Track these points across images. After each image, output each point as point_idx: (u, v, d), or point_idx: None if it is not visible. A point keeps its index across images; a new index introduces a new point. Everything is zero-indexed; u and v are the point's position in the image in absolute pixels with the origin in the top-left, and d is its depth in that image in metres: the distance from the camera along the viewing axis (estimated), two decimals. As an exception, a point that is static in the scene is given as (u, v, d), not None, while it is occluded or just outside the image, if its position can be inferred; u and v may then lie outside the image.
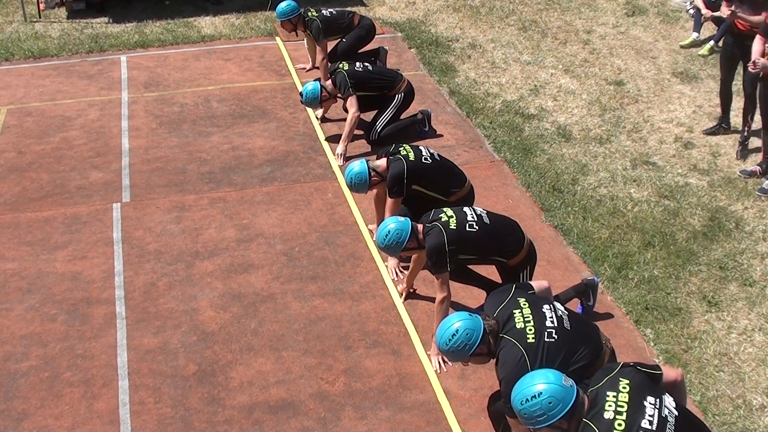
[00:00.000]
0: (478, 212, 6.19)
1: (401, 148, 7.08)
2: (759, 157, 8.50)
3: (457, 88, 10.27)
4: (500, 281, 6.31)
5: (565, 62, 10.99)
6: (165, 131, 9.40)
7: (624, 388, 4.13)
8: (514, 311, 4.95)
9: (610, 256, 7.17)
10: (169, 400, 5.87)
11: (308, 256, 7.32)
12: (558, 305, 5.11)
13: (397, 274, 7.04)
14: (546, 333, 4.85)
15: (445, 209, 6.19)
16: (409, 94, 9.15)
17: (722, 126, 9.16)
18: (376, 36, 10.64)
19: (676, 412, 4.13)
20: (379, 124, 8.97)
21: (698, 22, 11.23)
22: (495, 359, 4.98)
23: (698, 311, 6.59)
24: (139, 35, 12.01)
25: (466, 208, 6.22)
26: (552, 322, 4.90)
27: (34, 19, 12.89)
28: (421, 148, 7.18)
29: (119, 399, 5.89)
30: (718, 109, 9.27)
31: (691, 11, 11.82)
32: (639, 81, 10.46)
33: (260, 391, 5.93)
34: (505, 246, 6.14)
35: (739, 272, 7.01)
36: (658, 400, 4.12)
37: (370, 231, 7.55)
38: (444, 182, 7.07)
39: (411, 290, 6.82)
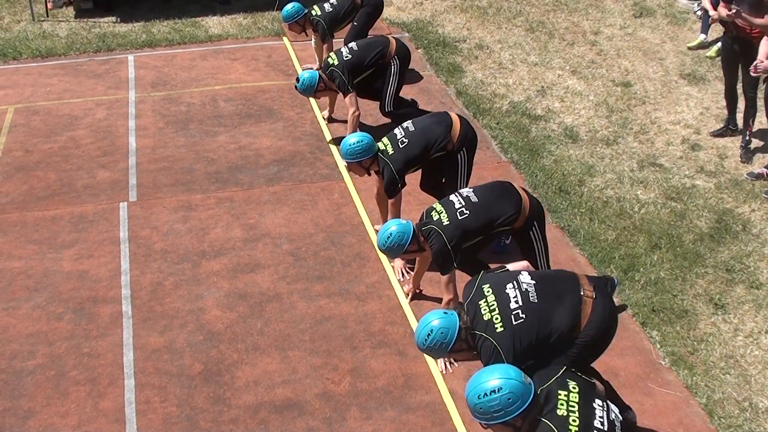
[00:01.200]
0: (465, 194, 6.18)
1: (380, 143, 7.07)
2: (766, 159, 8.49)
3: (464, 89, 10.27)
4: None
5: (572, 63, 10.98)
6: (172, 131, 9.41)
7: (574, 388, 4.10)
8: (479, 303, 4.91)
9: (616, 258, 7.16)
10: (174, 399, 5.88)
11: (314, 256, 7.33)
12: (524, 277, 5.00)
13: (403, 274, 7.04)
14: (513, 316, 4.79)
15: (434, 205, 6.19)
16: (404, 57, 9.01)
17: (729, 128, 9.14)
18: (373, 30, 10.48)
19: (621, 417, 4.14)
20: (387, 99, 8.93)
21: (706, 23, 11.21)
22: (478, 354, 4.94)
23: (705, 313, 6.58)
24: (146, 35, 12.03)
25: (452, 196, 6.21)
26: (517, 302, 4.84)
27: (42, 18, 12.93)
28: (395, 131, 7.14)
29: (125, 398, 5.90)
30: (726, 111, 9.25)
31: (699, 13, 11.80)
32: (646, 82, 10.44)
33: (266, 391, 5.94)
34: (502, 214, 6.09)
35: (746, 275, 6.99)
36: (604, 403, 4.11)
37: (377, 231, 7.55)
38: (432, 143, 7.04)
39: (417, 291, 6.82)
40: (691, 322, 6.48)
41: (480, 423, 4.15)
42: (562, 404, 4.03)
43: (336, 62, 8.75)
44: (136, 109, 9.91)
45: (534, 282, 4.96)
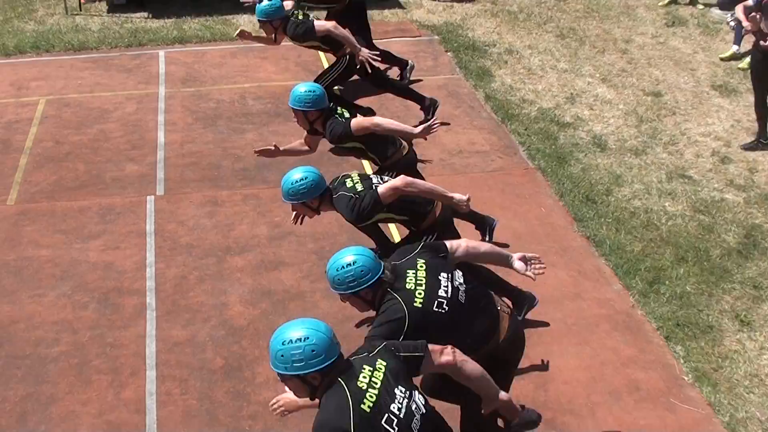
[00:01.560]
0: (386, 179, 6.01)
1: (339, 109, 6.94)
2: (797, 174, 8.41)
3: (493, 94, 10.24)
4: None
5: (602, 71, 10.93)
6: (200, 127, 9.45)
7: (380, 367, 3.90)
8: (408, 270, 4.71)
9: (642, 270, 7.11)
10: (195, 393, 5.89)
11: (338, 255, 7.32)
12: (458, 274, 4.82)
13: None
14: (436, 302, 4.60)
15: (351, 174, 6.02)
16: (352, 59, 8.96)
17: (760, 141, 9.06)
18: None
19: (423, 410, 3.97)
20: (323, 82, 8.96)
21: (739, 34, 11.12)
22: (376, 312, 4.72)
23: (730, 330, 6.51)
24: (177, 31, 12.09)
25: (372, 176, 6.10)
26: (446, 292, 4.65)
27: (75, 12, 13.05)
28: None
29: (146, 389, 5.93)
30: (757, 124, 9.17)
31: (732, 23, 11.69)
32: (677, 93, 10.37)
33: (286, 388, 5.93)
34: (414, 203, 5.95)
35: (773, 291, 6.93)
36: (408, 391, 3.94)
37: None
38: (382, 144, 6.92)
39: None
40: (716, 338, 6.42)
41: (278, 373, 3.91)
42: (364, 378, 3.82)
43: (300, 19, 8.75)
44: (165, 105, 9.97)
45: (466, 286, 4.80)
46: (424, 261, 4.74)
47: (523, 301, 6.41)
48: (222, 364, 6.16)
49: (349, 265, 4.55)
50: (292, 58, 11.23)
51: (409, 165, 6.98)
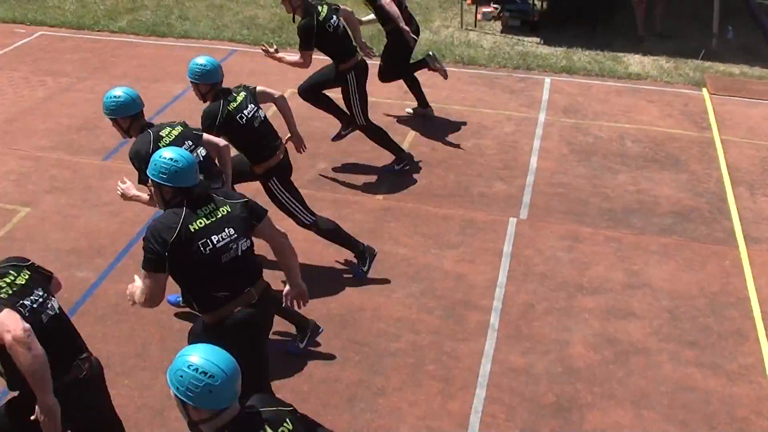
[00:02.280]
0: (203, 154, 6.13)
1: (234, 91, 6.79)
2: None
3: None
4: None
5: None
6: (574, 159, 9.38)
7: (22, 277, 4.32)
8: (209, 203, 4.81)
9: None
10: (520, 422, 5.84)
11: (692, 320, 6.91)
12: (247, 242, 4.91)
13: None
14: (218, 238, 4.74)
15: (177, 126, 6.09)
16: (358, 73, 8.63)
17: None
18: None
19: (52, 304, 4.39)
20: (307, 85, 8.84)
21: None
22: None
23: None
24: (566, 60, 12.13)
25: (199, 148, 6.09)
26: (228, 236, 4.78)
27: (470, 28, 13.57)
28: (251, 104, 6.77)
29: (473, 405, 5.97)
30: None
31: None
32: None
33: (612, 444, 5.71)
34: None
35: None
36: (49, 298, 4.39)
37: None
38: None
39: None
40: None
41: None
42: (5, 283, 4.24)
43: (323, 14, 8.33)
44: (543, 131, 10.02)
45: (242, 249, 4.86)
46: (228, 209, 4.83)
47: (307, 327, 6.42)
48: (553, 400, 6.04)
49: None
50: (677, 106, 10.80)
51: (283, 171, 7.04)
